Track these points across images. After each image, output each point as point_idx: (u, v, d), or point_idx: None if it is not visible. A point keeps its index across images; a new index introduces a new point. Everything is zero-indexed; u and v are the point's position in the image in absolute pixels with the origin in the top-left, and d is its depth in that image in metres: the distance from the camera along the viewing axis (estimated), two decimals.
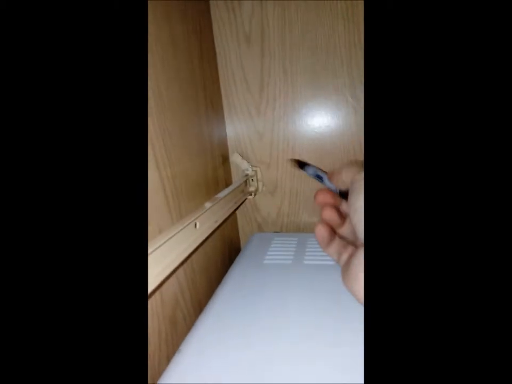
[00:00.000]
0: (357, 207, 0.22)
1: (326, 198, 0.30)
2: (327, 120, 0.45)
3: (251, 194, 0.49)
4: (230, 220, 0.49)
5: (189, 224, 0.26)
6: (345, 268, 0.25)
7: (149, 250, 0.20)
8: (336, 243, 0.29)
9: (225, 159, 0.47)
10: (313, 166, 0.40)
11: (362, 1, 0.39)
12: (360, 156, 0.45)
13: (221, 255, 0.44)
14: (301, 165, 0.45)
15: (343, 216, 0.29)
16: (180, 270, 0.31)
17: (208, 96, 0.41)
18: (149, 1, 0.27)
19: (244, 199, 0.47)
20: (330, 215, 0.29)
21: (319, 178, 0.32)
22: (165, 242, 0.22)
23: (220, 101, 0.47)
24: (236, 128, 0.48)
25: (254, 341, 0.24)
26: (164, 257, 0.23)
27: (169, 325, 0.29)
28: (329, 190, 0.31)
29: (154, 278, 0.21)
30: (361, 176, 0.23)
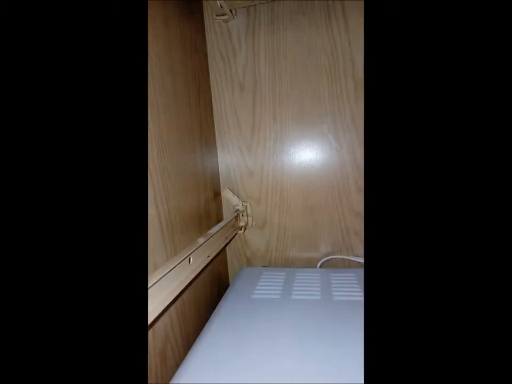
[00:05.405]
0: None
1: None
2: (313, 160, 0.49)
3: (241, 229, 0.51)
4: (220, 254, 0.50)
5: (183, 259, 0.28)
6: None
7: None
8: None
9: (216, 194, 0.50)
10: None
11: (341, 59, 0.44)
12: (342, 188, 0.48)
13: (210, 289, 0.45)
14: None
15: None
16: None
17: (203, 136, 0.44)
18: (154, 57, 0.31)
19: (234, 234, 0.48)
20: None
21: None
22: (160, 279, 0.23)
23: (214, 140, 0.50)
24: (228, 165, 0.51)
25: (244, 377, 0.25)
26: (159, 293, 0.24)
27: (160, 359, 0.29)
28: None
29: (149, 313, 0.22)
30: None
